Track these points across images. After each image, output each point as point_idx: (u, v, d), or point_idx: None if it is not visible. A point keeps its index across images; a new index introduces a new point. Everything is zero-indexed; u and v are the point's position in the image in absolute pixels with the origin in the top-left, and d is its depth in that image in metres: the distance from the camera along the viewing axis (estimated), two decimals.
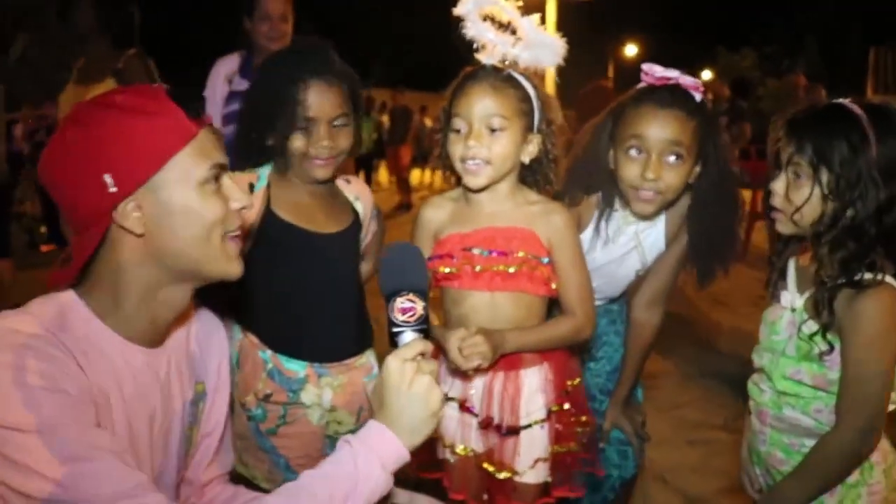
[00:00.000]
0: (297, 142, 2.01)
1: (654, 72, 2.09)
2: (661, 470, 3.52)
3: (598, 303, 2.49)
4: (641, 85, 2.14)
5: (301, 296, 2.07)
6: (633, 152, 2.09)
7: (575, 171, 2.24)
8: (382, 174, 16.02)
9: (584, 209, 2.26)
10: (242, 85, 3.65)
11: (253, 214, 2.02)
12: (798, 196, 1.71)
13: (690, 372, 4.83)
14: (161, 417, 1.45)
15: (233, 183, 1.41)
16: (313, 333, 2.07)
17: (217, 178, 1.38)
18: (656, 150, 2.05)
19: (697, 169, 2.13)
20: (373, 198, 2.33)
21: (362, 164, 13.61)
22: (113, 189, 1.27)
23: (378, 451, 1.31)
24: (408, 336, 1.39)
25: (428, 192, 12.30)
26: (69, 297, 1.36)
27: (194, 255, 1.37)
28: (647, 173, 2.05)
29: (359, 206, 2.22)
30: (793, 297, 1.81)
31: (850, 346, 1.66)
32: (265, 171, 2.11)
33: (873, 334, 1.64)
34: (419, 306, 1.40)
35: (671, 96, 2.06)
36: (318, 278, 2.07)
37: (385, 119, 14.77)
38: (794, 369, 1.77)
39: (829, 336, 1.69)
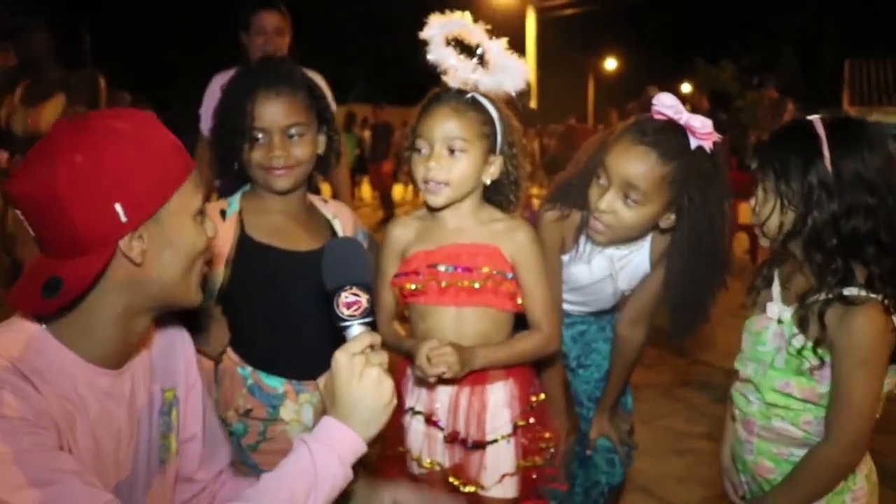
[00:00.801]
0: (254, 154, 2.01)
1: (662, 104, 2.01)
2: (646, 480, 3.52)
3: (588, 313, 2.53)
4: (646, 114, 2.08)
5: (280, 314, 2.06)
6: (599, 179, 2.08)
7: (571, 184, 2.24)
8: (365, 190, 16.02)
9: (568, 228, 2.26)
10: None
11: (227, 242, 2.02)
12: (764, 210, 1.77)
13: (674, 382, 4.84)
14: (128, 436, 1.44)
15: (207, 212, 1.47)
16: (294, 351, 2.06)
17: (204, 209, 1.43)
18: (615, 185, 2.03)
19: (671, 216, 2.09)
20: (357, 219, 2.32)
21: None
22: (124, 219, 1.27)
23: (334, 446, 1.32)
24: (355, 330, 1.39)
25: (411, 207, 12.31)
26: (30, 322, 1.34)
27: (178, 284, 1.40)
28: (600, 203, 2.05)
29: (336, 225, 2.22)
30: (780, 309, 1.83)
31: (841, 362, 1.67)
32: (236, 198, 2.11)
33: (865, 351, 1.65)
34: (363, 299, 1.40)
35: (655, 134, 2.00)
36: (296, 296, 2.06)
37: (367, 135, 14.79)
38: (783, 382, 1.78)
39: (819, 351, 1.71)
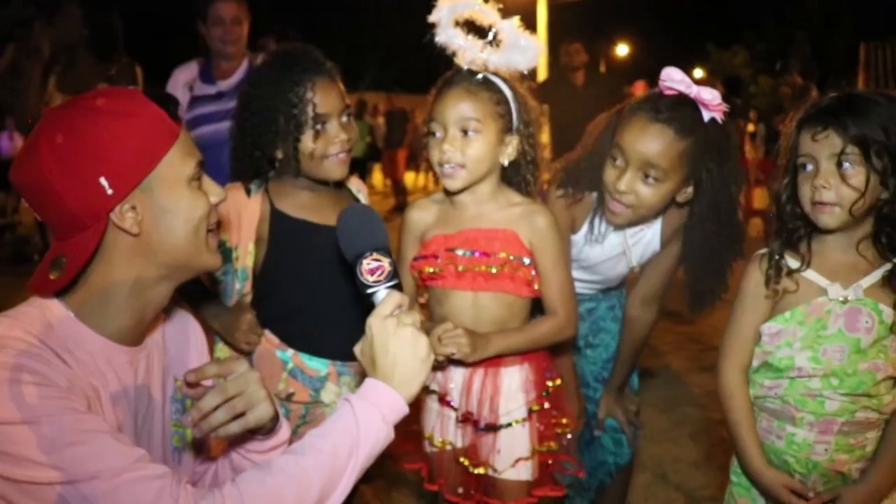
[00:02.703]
0: (311, 142, 1.98)
1: (670, 78, 2.00)
2: (662, 465, 3.53)
3: (597, 290, 2.52)
4: (655, 89, 2.08)
5: (322, 291, 2.05)
6: (615, 160, 2.06)
7: (581, 166, 2.23)
8: (377, 177, 16.01)
9: (580, 209, 2.26)
10: (205, 90, 3.67)
11: (253, 220, 2.00)
12: (856, 182, 1.67)
13: (691, 368, 4.83)
14: (144, 413, 1.46)
15: (208, 178, 1.46)
16: (337, 329, 2.01)
17: (199, 175, 1.44)
18: (634, 165, 2.01)
19: (689, 190, 2.08)
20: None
21: (356, 167, 13.60)
22: (110, 192, 1.29)
23: (377, 405, 1.34)
24: (381, 294, 1.40)
25: (423, 194, 12.28)
26: (50, 300, 1.36)
27: (185, 249, 1.41)
28: (619, 184, 2.03)
29: (361, 198, 2.22)
30: (840, 289, 1.76)
31: None
32: (255, 182, 2.09)
33: None
34: (386, 262, 1.40)
35: (669, 111, 1.98)
36: (336, 271, 2.01)
37: (379, 121, 14.76)
38: (870, 364, 1.74)
39: None
